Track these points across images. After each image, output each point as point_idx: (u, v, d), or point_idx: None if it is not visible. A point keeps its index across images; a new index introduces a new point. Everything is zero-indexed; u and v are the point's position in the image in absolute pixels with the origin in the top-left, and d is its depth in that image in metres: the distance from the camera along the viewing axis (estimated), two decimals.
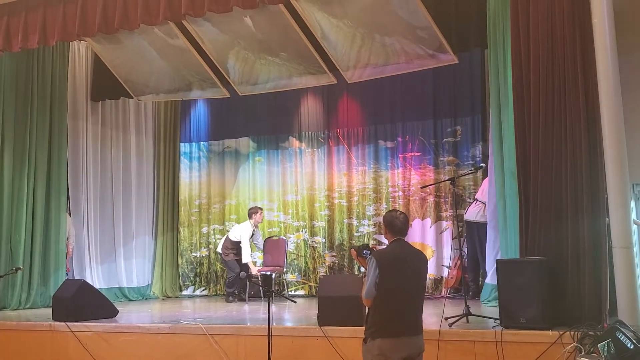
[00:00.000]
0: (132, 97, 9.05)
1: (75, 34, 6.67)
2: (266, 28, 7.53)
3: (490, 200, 6.97)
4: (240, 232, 8.64)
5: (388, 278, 3.65)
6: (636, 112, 5.44)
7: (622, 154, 4.60)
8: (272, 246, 9.16)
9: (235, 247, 8.63)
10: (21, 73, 8.06)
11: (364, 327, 3.80)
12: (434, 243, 8.60)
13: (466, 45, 7.12)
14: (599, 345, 3.50)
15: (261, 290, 8.31)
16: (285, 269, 9.11)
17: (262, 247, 9.14)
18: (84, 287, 6.55)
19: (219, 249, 8.86)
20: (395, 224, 3.82)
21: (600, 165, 4.72)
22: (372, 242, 8.67)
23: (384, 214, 4.28)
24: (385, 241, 4.04)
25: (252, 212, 8.84)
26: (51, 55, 8.29)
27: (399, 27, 7.08)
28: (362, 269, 3.96)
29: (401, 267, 3.73)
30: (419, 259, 3.92)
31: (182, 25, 7.67)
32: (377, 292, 3.65)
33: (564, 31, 4.98)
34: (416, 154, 8.85)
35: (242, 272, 7.05)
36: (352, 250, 3.99)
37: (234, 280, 8.55)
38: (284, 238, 9.27)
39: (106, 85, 8.92)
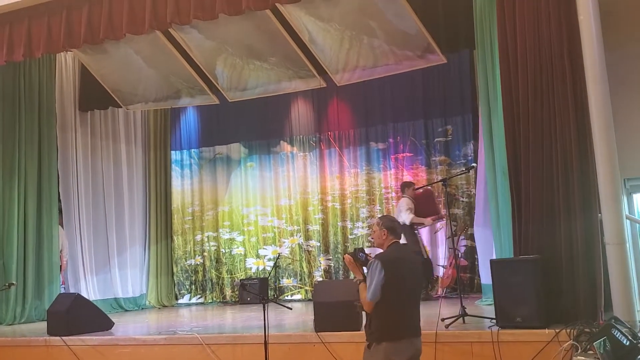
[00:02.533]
0: (121, 107, 9.01)
1: (61, 45, 6.62)
2: (253, 33, 7.51)
3: (479, 197, 6.99)
4: (402, 207, 7.75)
5: (393, 281, 3.64)
6: (625, 108, 5.45)
7: (612, 149, 4.60)
8: (420, 200, 7.95)
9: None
10: (8, 85, 8.00)
11: (364, 332, 3.78)
12: (428, 243, 8.59)
13: (454, 46, 7.14)
14: (594, 343, 3.49)
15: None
16: (446, 213, 7.83)
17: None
18: (78, 301, 6.49)
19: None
20: (396, 227, 3.90)
21: (591, 160, 4.72)
22: (366, 245, 8.66)
23: (377, 216, 4.29)
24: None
25: (406, 186, 8.00)
26: (37, 66, 8.24)
27: (387, 29, 7.08)
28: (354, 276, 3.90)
29: (403, 269, 3.75)
30: (416, 261, 4.04)
31: (169, 33, 7.65)
32: (381, 295, 3.63)
33: (550, 29, 4.99)
34: (408, 154, 8.86)
35: (237, 281, 6.98)
36: (346, 256, 3.88)
37: None
38: (430, 188, 8.10)
39: (94, 96, 8.87)
